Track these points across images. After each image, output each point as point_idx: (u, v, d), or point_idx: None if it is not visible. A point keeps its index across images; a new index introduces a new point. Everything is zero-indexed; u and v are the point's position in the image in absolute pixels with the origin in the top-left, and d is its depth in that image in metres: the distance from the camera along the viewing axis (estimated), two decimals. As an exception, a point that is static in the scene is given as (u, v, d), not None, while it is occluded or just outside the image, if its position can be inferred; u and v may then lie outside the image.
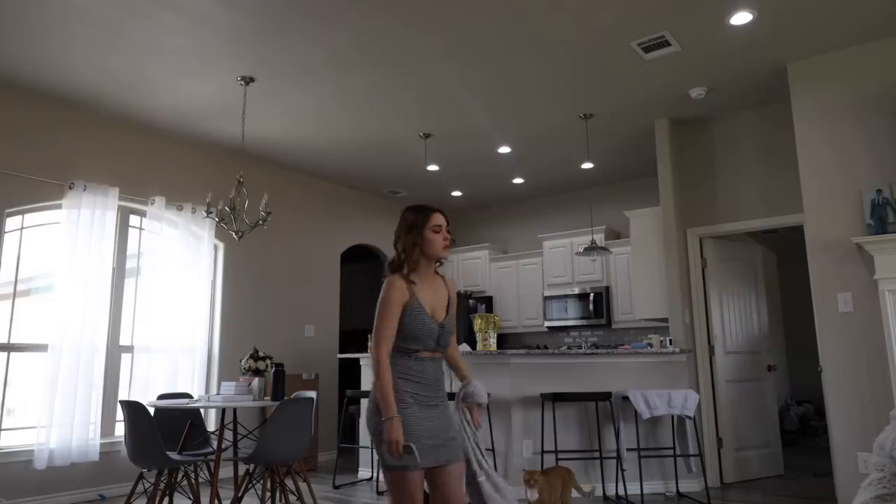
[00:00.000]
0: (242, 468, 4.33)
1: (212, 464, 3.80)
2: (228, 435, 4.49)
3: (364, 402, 5.77)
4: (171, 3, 3.76)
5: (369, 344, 1.93)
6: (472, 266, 8.19)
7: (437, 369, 2.32)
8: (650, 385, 4.96)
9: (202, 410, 4.66)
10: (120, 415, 4.15)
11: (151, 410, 3.74)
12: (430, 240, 2.33)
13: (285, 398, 3.86)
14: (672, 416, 4.78)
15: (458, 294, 7.94)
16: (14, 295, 4.86)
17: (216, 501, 3.64)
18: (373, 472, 5.53)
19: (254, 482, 4.07)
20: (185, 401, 4.15)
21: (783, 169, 5.12)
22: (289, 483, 4.43)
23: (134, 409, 3.64)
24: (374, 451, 2.26)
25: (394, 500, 2.17)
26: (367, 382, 5.74)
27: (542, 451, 4.61)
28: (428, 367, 2.29)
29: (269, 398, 4.07)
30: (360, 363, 5.84)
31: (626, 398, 4.70)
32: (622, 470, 4.61)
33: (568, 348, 7.40)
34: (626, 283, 6.90)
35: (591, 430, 4.86)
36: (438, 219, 2.36)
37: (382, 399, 2.14)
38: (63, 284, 4.87)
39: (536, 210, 8.26)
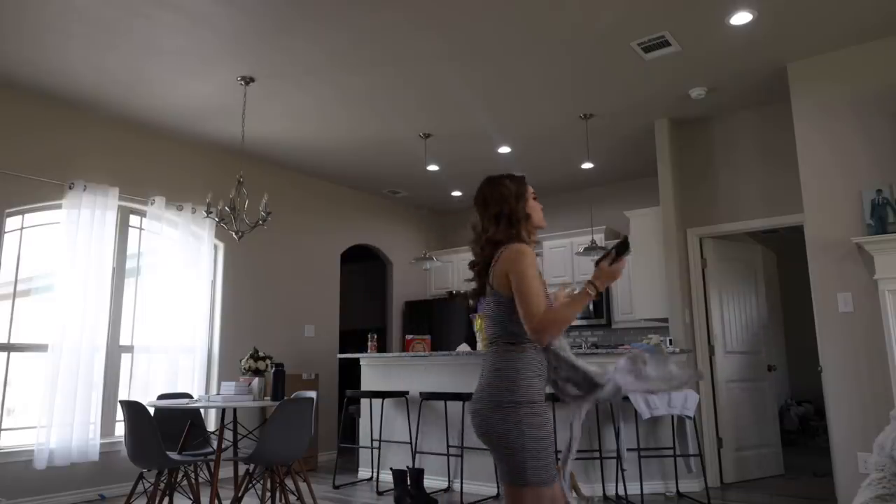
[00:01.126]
0: (242, 468, 4.33)
1: (212, 464, 3.80)
2: (228, 435, 4.49)
3: (364, 402, 5.78)
4: (171, 3, 3.75)
5: (530, 328, 1.76)
6: (472, 266, 8.17)
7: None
8: (650, 385, 4.95)
9: (202, 410, 4.66)
10: (120, 415, 4.15)
11: (151, 410, 3.73)
12: (536, 208, 2.15)
13: (285, 398, 3.86)
14: (672, 416, 4.78)
15: (459, 294, 7.95)
16: (14, 295, 4.85)
17: (216, 501, 3.64)
18: (373, 471, 5.53)
19: (254, 482, 4.07)
20: (185, 401, 4.15)
21: (783, 169, 5.12)
22: (289, 483, 4.43)
23: (134, 409, 3.64)
24: (507, 466, 1.88)
25: None
26: (367, 382, 5.74)
27: (542, 451, 4.60)
28: (545, 358, 2.00)
29: (269, 398, 4.06)
30: (360, 363, 5.83)
31: (626, 398, 4.70)
32: (622, 470, 4.60)
33: (568, 348, 7.39)
34: (626, 283, 6.89)
35: (591, 430, 4.86)
36: (530, 188, 2.19)
37: (577, 302, 1.90)
38: (63, 284, 4.86)
39: (536, 210, 8.25)
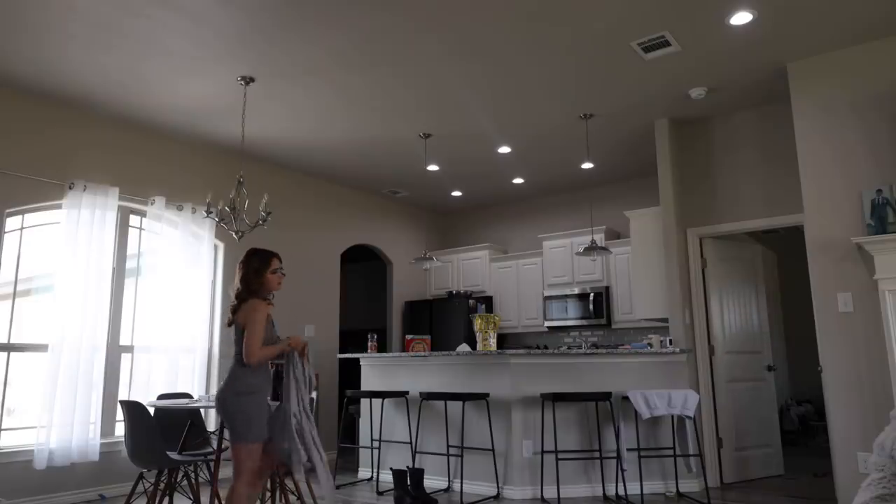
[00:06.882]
0: (242, 468, 4.32)
1: (212, 464, 3.80)
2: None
3: (364, 402, 5.78)
4: (171, 3, 3.76)
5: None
6: (472, 266, 8.19)
7: None
8: (650, 385, 4.96)
9: (202, 410, 4.66)
10: (120, 415, 4.15)
11: (151, 410, 3.74)
12: (272, 280, 3.22)
13: (285, 398, 3.85)
14: (672, 416, 4.78)
15: (458, 294, 7.95)
16: (14, 295, 4.86)
17: (216, 501, 3.63)
18: (373, 471, 5.53)
19: (254, 482, 4.06)
20: (185, 401, 4.15)
21: (783, 169, 5.12)
22: (289, 483, 4.43)
23: (134, 409, 3.64)
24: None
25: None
26: (367, 382, 5.74)
27: (542, 451, 4.61)
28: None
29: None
30: (360, 363, 5.84)
31: (626, 398, 4.70)
32: (622, 470, 4.61)
33: (568, 348, 7.40)
34: (626, 283, 6.90)
35: (591, 430, 4.87)
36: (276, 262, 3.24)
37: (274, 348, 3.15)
38: (63, 284, 4.86)
39: (536, 210, 8.26)
